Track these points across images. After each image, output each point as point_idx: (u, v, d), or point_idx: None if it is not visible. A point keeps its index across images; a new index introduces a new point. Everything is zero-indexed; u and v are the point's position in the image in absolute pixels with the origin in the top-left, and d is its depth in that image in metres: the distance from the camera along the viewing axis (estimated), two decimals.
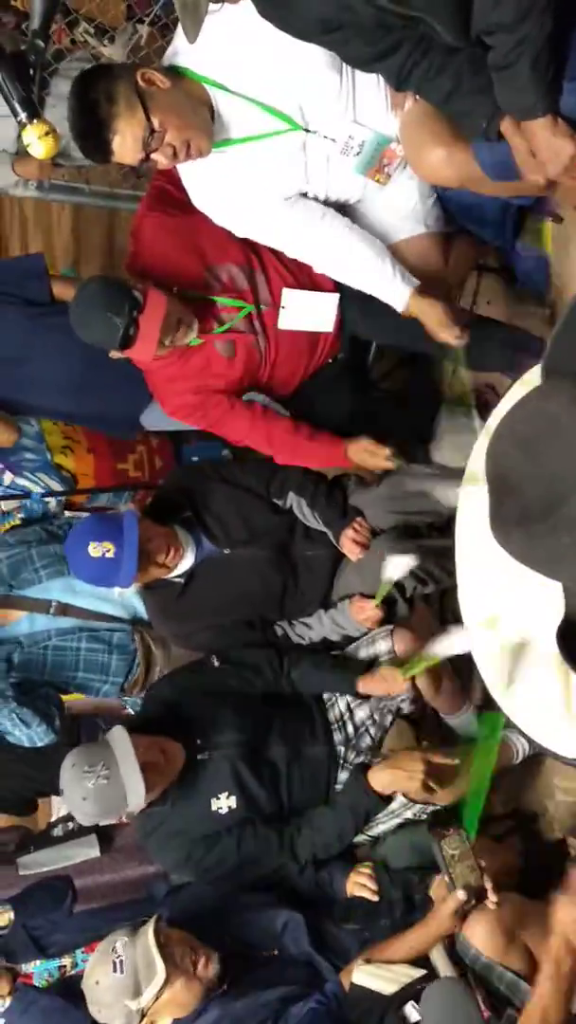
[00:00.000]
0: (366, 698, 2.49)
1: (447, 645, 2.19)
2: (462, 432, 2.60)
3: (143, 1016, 2.04)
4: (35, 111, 2.01)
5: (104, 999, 2.06)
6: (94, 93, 2.04)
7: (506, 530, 1.13)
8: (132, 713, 2.85)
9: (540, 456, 1.08)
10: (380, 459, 2.49)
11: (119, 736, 2.25)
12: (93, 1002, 2.09)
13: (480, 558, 1.85)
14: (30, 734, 2.56)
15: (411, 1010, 1.99)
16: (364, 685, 2.44)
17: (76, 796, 2.20)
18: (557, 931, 1.80)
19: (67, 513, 3.05)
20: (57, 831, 2.79)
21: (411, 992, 2.01)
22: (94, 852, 2.71)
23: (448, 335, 2.29)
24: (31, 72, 2.03)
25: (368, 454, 2.50)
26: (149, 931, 2.06)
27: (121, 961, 2.04)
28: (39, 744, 2.59)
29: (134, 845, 2.73)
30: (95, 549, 2.38)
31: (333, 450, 2.53)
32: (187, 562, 2.53)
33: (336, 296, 2.39)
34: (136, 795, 2.18)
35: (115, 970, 2.04)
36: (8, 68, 1.97)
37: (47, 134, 2.01)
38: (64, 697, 2.79)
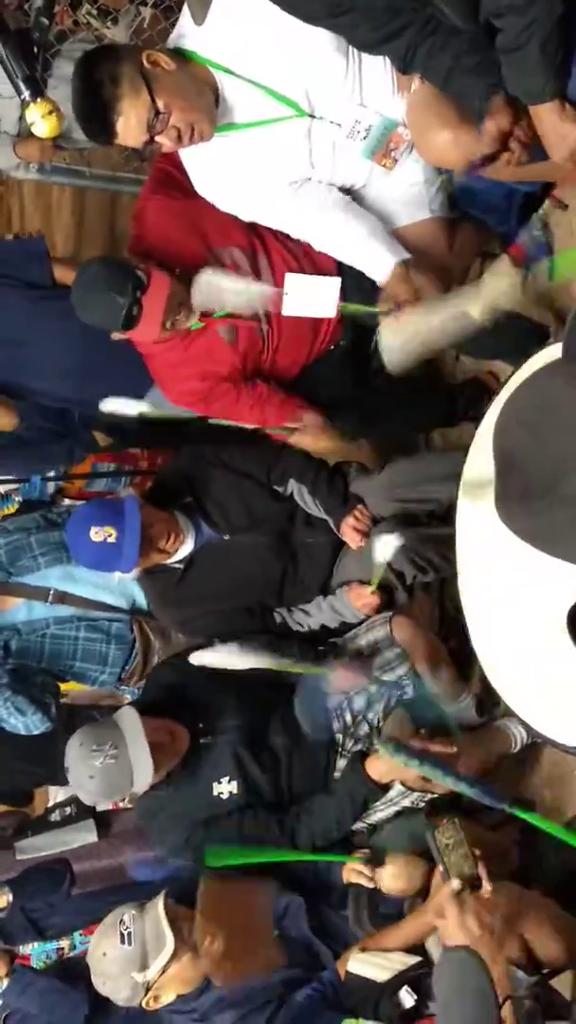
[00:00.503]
0: (364, 687, 2.49)
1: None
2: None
3: (148, 989, 2.05)
4: (39, 90, 2.01)
5: (110, 971, 2.07)
6: (98, 74, 2.02)
7: (508, 506, 1.15)
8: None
9: (543, 435, 1.10)
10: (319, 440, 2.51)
11: (129, 716, 2.26)
12: (99, 974, 2.10)
13: (480, 552, 1.87)
14: (26, 722, 2.56)
15: (405, 996, 2.00)
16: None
17: (83, 774, 2.21)
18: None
19: (66, 501, 3.05)
20: (55, 816, 2.80)
21: (405, 978, 2.02)
22: (92, 837, 2.72)
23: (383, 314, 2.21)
24: (35, 50, 2.01)
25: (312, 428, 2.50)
26: (160, 904, 2.08)
27: (129, 933, 2.06)
28: (35, 732, 2.59)
29: (132, 831, 2.74)
30: (96, 534, 2.38)
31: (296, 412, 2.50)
32: (187, 548, 2.53)
33: (338, 280, 2.37)
34: (144, 775, 2.19)
35: (123, 942, 2.06)
36: (12, 46, 1.96)
37: (51, 113, 2.00)
38: (64, 687, 2.80)
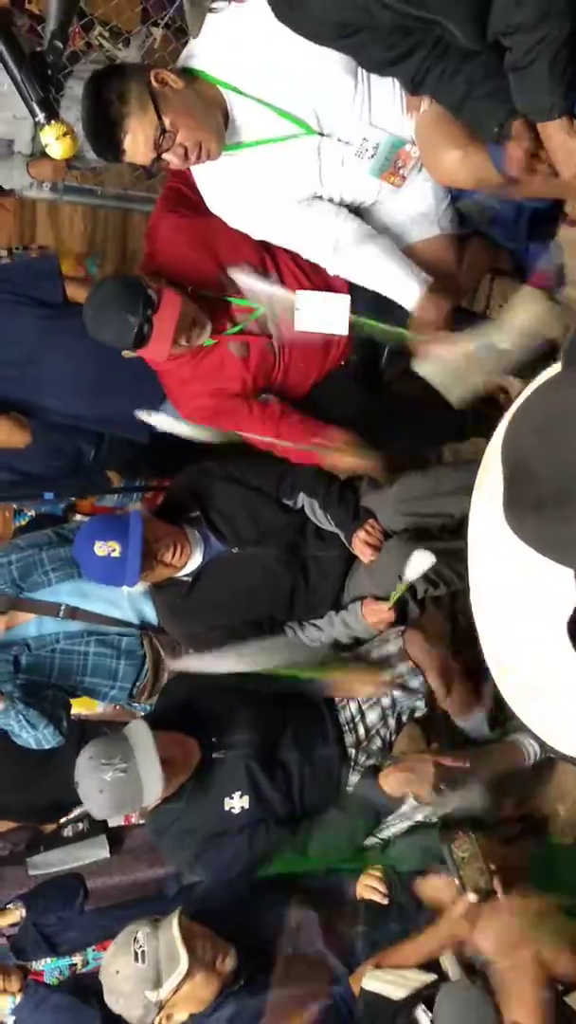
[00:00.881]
0: (377, 701, 2.49)
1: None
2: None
3: (160, 1008, 2.04)
4: (53, 112, 2.02)
5: (123, 989, 2.06)
6: (107, 92, 2.04)
7: (520, 515, 1.13)
8: None
9: (556, 442, 1.08)
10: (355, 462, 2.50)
11: (140, 730, 2.26)
12: (111, 991, 2.09)
13: (492, 565, 1.86)
14: (37, 736, 2.56)
15: (422, 1015, 1.98)
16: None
17: (92, 788, 2.21)
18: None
19: (78, 517, 3.06)
20: (67, 832, 2.80)
21: (422, 997, 2.01)
22: (104, 853, 2.72)
23: (427, 343, 2.22)
24: (49, 73, 2.03)
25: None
26: (174, 923, 2.06)
27: (143, 951, 2.04)
28: (46, 746, 2.59)
29: (144, 847, 2.74)
30: (101, 548, 2.40)
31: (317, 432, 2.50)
32: (195, 561, 2.54)
33: (347, 298, 2.39)
34: (154, 789, 2.19)
35: (136, 960, 2.04)
36: (27, 69, 1.98)
37: (65, 135, 2.02)
38: (77, 706, 2.79)
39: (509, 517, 1.15)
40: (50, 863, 2.73)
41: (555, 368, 1.28)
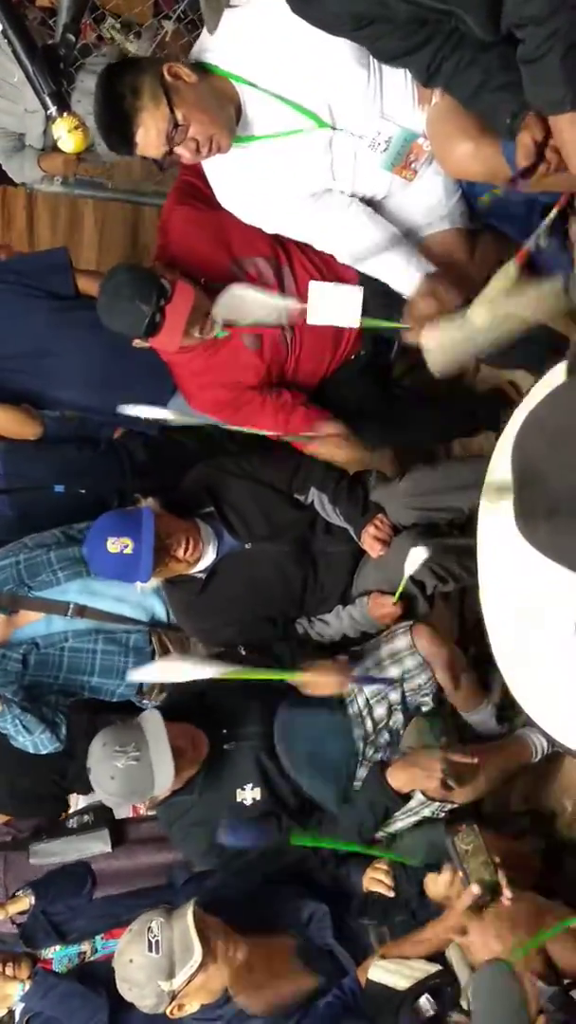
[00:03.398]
0: (384, 695, 2.49)
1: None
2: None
3: (173, 998, 2.05)
4: (65, 105, 2.02)
5: (137, 978, 2.06)
6: (120, 86, 2.04)
7: (533, 522, 1.12)
8: None
9: (568, 448, 1.08)
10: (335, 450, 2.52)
11: (153, 719, 2.26)
12: (124, 980, 2.09)
13: (503, 563, 1.86)
14: (34, 740, 2.56)
15: (425, 1004, 1.99)
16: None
17: (104, 775, 2.21)
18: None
19: None
20: (72, 823, 2.80)
21: (425, 987, 2.01)
22: (105, 847, 2.72)
23: (417, 335, 2.18)
24: (61, 66, 2.03)
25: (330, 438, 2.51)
26: (189, 913, 2.07)
27: (157, 941, 2.04)
28: (43, 751, 2.58)
29: (150, 837, 2.74)
30: (113, 545, 2.40)
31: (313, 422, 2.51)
32: (208, 557, 2.54)
33: (361, 290, 2.39)
34: (164, 778, 2.19)
35: (150, 950, 2.04)
36: (40, 62, 1.97)
37: (77, 128, 2.02)
38: None
39: (520, 524, 1.14)
40: (51, 853, 2.73)
41: (562, 367, 1.27)
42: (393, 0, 1.68)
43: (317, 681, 2.39)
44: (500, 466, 1.84)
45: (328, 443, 2.54)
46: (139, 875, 2.73)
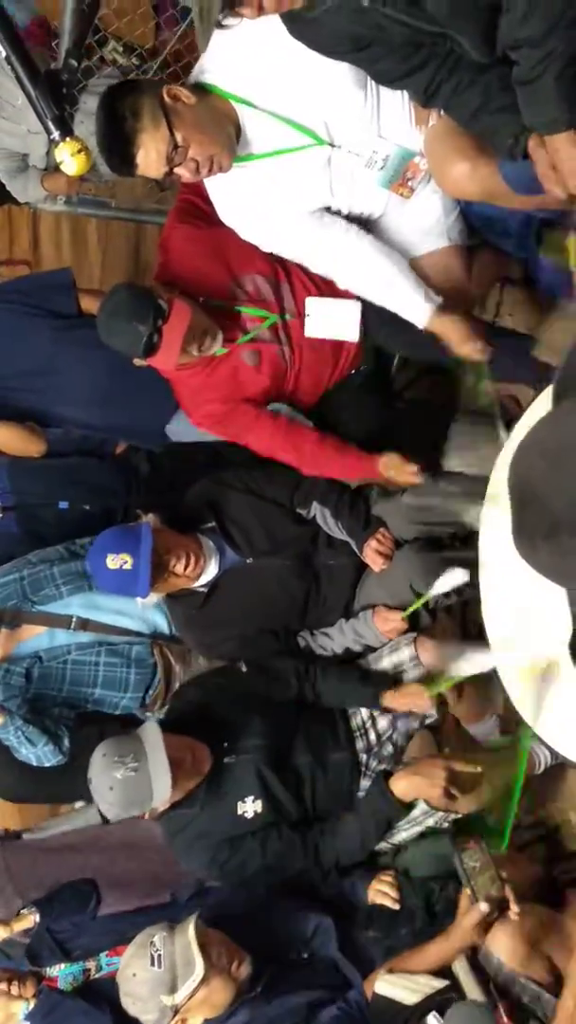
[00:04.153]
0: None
1: (472, 664, 2.21)
2: (473, 442, 2.59)
3: (176, 1013, 2.05)
4: (68, 129, 2.05)
5: (139, 992, 2.06)
6: (120, 108, 2.08)
7: (532, 543, 1.12)
8: None
9: (567, 468, 1.08)
10: (408, 474, 2.50)
11: (151, 730, 2.28)
12: (127, 994, 2.09)
13: (503, 576, 1.87)
14: (36, 753, 2.58)
15: (433, 1021, 1.99)
16: (389, 700, 2.46)
17: (104, 785, 2.22)
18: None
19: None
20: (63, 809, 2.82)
21: (433, 1002, 2.01)
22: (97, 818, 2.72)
23: (471, 350, 2.31)
24: (64, 91, 2.06)
25: (396, 469, 2.51)
26: (190, 928, 2.07)
27: (159, 956, 2.04)
28: (46, 763, 2.60)
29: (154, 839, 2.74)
30: (113, 561, 2.43)
31: (363, 464, 2.53)
32: (210, 571, 2.56)
33: (358, 304, 2.41)
34: (162, 790, 2.20)
35: (153, 964, 2.04)
36: (42, 87, 2.00)
37: (80, 152, 2.05)
38: None
39: (519, 544, 1.14)
40: (43, 828, 2.74)
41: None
42: (389, 23, 1.71)
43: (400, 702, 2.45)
44: (501, 479, 1.85)
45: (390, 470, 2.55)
46: (141, 876, 2.73)
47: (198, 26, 1.60)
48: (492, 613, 1.96)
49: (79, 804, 2.96)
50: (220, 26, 2.00)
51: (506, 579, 1.87)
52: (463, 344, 2.30)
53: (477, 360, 2.34)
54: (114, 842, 2.77)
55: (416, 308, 2.31)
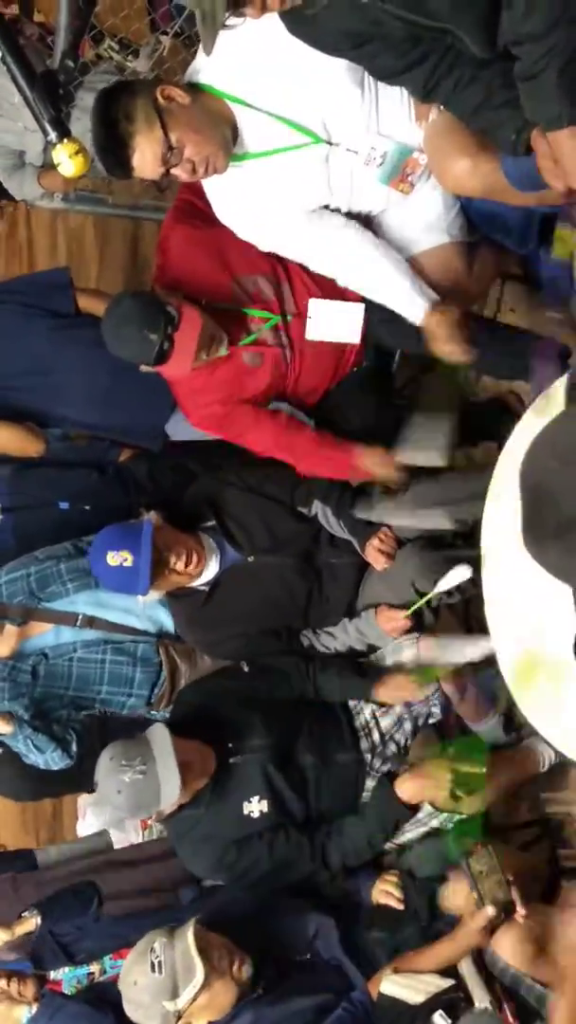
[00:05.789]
0: (392, 706, 2.50)
1: (461, 653, 2.21)
2: (428, 433, 2.57)
3: (179, 1017, 2.05)
4: (65, 130, 2.03)
5: (141, 999, 2.06)
6: (114, 111, 2.05)
7: (541, 542, 1.12)
8: None
9: None
10: (388, 470, 2.49)
11: (160, 733, 2.28)
12: (130, 1001, 2.10)
13: (507, 574, 1.87)
14: (45, 759, 2.58)
15: (439, 1020, 1.99)
16: (380, 692, 2.46)
17: (111, 788, 2.23)
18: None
19: None
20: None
21: (439, 1002, 2.01)
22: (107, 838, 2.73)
23: (451, 351, 2.28)
24: (60, 92, 2.04)
25: (378, 465, 2.49)
26: (189, 933, 2.07)
27: (160, 962, 2.05)
28: (54, 767, 2.61)
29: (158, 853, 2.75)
30: (113, 558, 2.43)
31: (352, 460, 2.52)
32: (212, 570, 2.55)
33: (362, 307, 2.40)
34: (171, 793, 2.20)
35: (153, 970, 2.05)
36: (39, 88, 1.98)
37: (77, 153, 2.03)
38: None
39: (528, 542, 1.14)
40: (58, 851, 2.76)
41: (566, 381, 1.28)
42: (388, 19, 1.69)
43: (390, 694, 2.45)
44: (503, 476, 1.84)
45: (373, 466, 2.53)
46: (146, 885, 2.74)
47: (202, 31, 1.58)
48: (495, 611, 1.95)
49: (84, 832, 2.90)
50: (225, 27, 1.97)
51: (509, 577, 1.86)
52: (445, 344, 2.29)
53: (458, 361, 2.32)
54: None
55: (412, 305, 2.29)
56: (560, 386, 1.62)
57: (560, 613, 1.61)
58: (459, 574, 2.33)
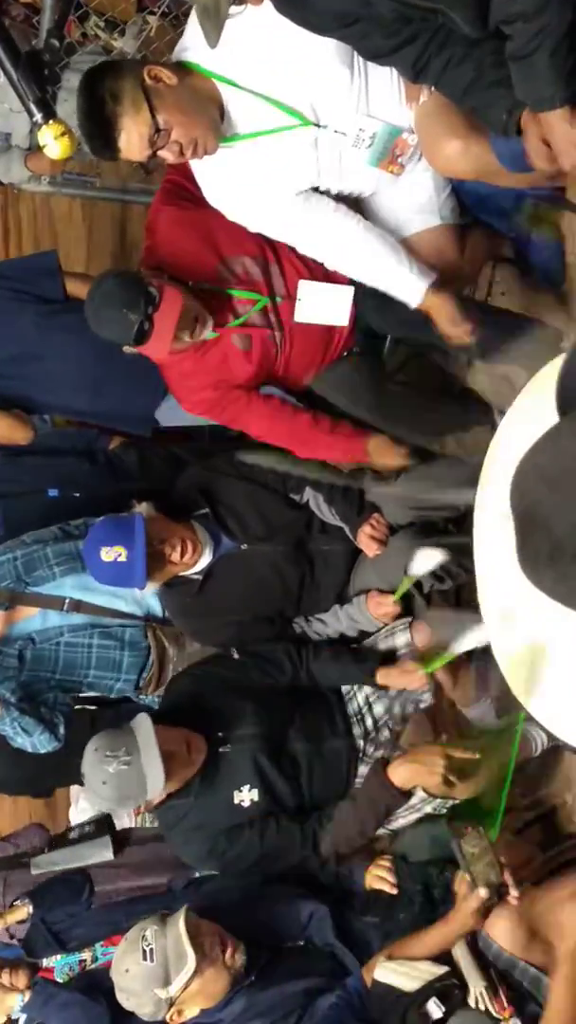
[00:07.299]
0: (385, 691, 2.49)
1: (466, 641, 2.20)
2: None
3: (171, 1005, 2.05)
4: (51, 112, 2.00)
5: (134, 987, 2.07)
6: (100, 91, 2.02)
7: (536, 568, 1.10)
8: None
9: (567, 492, 1.06)
10: (396, 458, 2.48)
11: (143, 723, 2.27)
12: (122, 989, 2.10)
13: (497, 557, 1.86)
14: (32, 741, 2.58)
15: (433, 1007, 1.99)
16: (383, 677, 2.45)
17: (96, 780, 2.23)
18: (568, 934, 1.82)
19: None
20: (73, 835, 2.81)
21: (433, 989, 2.02)
22: (107, 855, 2.72)
23: (458, 332, 2.27)
24: (46, 72, 2.01)
25: (383, 453, 2.48)
26: (180, 920, 2.07)
27: (151, 950, 2.05)
28: (41, 751, 2.60)
29: (151, 854, 2.74)
30: (107, 554, 2.41)
31: (353, 444, 2.51)
32: (205, 559, 2.54)
33: (351, 289, 2.38)
34: (156, 783, 2.20)
35: (145, 958, 2.05)
36: (24, 69, 1.95)
37: (63, 134, 2.00)
38: None
39: (524, 567, 1.13)
40: (53, 862, 2.74)
41: (556, 366, 1.26)
42: None
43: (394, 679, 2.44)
44: (493, 462, 1.83)
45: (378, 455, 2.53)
46: (141, 875, 2.73)
47: (205, 24, 1.56)
48: (487, 596, 1.94)
49: (77, 820, 2.91)
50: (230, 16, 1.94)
51: (500, 562, 1.85)
52: (451, 325, 2.27)
53: (461, 343, 2.31)
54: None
55: (409, 287, 2.27)
56: (550, 369, 1.60)
57: (546, 598, 1.61)
58: (428, 558, 2.31)
